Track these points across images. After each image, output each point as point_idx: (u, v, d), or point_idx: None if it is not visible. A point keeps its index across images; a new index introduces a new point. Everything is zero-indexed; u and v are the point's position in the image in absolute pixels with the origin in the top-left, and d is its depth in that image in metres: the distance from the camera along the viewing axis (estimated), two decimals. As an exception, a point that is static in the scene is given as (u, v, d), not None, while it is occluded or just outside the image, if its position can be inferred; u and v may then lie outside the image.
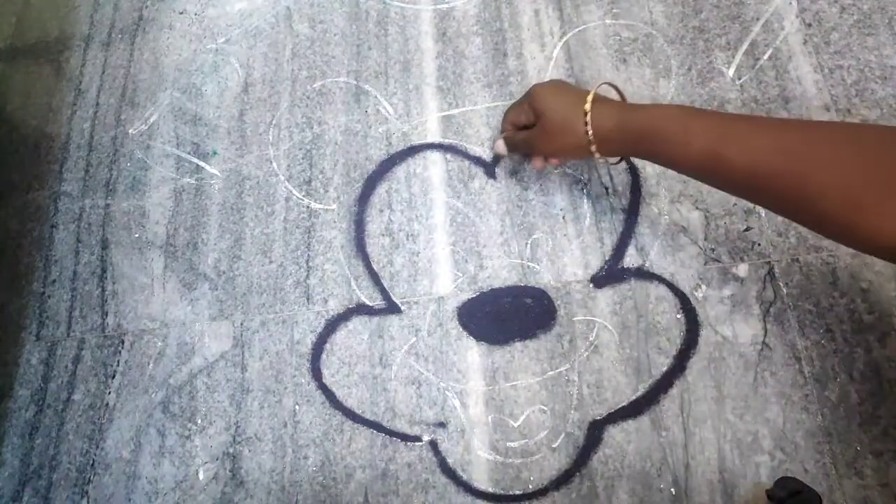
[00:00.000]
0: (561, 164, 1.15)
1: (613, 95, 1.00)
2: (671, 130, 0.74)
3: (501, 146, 1.08)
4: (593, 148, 0.85)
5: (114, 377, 1.25)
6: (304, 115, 1.39)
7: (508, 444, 1.07)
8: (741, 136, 0.67)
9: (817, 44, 1.23)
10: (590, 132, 0.83)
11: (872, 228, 0.61)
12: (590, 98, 0.84)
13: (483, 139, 1.28)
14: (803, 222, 0.73)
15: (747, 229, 1.12)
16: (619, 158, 1.02)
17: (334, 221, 1.28)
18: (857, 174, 0.62)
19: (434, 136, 1.30)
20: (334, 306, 1.22)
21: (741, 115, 0.78)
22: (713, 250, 1.12)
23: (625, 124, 0.80)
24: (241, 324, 1.24)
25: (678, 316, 1.09)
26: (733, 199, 1.15)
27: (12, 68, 1.62)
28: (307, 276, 1.25)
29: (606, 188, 1.20)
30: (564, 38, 1.34)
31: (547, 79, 1.30)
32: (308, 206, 1.30)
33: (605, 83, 1.02)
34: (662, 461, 1.01)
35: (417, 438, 1.10)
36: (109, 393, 1.24)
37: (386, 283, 1.21)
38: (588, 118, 0.83)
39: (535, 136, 0.94)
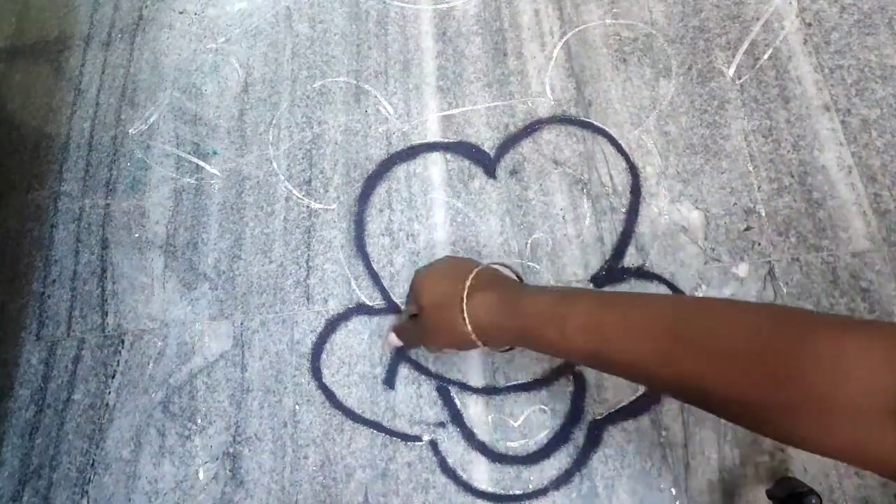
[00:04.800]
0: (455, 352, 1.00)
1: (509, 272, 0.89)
2: (551, 331, 0.66)
3: (394, 339, 0.95)
4: (479, 343, 0.75)
5: (114, 377, 1.25)
6: (304, 115, 1.39)
7: (508, 444, 1.07)
8: (618, 337, 0.61)
9: (817, 43, 1.23)
10: (468, 328, 0.73)
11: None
12: (467, 287, 0.74)
13: (483, 139, 1.28)
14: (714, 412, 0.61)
15: (747, 229, 1.12)
16: (507, 347, 0.89)
17: (334, 221, 1.28)
18: (751, 375, 0.53)
19: (434, 136, 1.30)
20: (334, 306, 1.22)
21: (617, 302, 0.66)
22: (713, 250, 1.12)
23: (502, 321, 0.71)
24: (241, 324, 1.24)
25: (678, 316, 1.09)
26: (733, 198, 1.15)
27: (12, 68, 1.62)
28: (307, 276, 1.25)
29: (606, 188, 1.20)
30: (564, 38, 1.34)
31: (547, 78, 1.30)
32: (308, 206, 1.30)
33: (495, 264, 0.85)
34: (662, 461, 1.01)
35: (417, 438, 1.10)
36: (109, 393, 1.24)
37: (386, 283, 1.21)
38: (465, 312, 0.73)
39: (420, 330, 0.83)
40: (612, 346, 0.61)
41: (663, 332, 0.58)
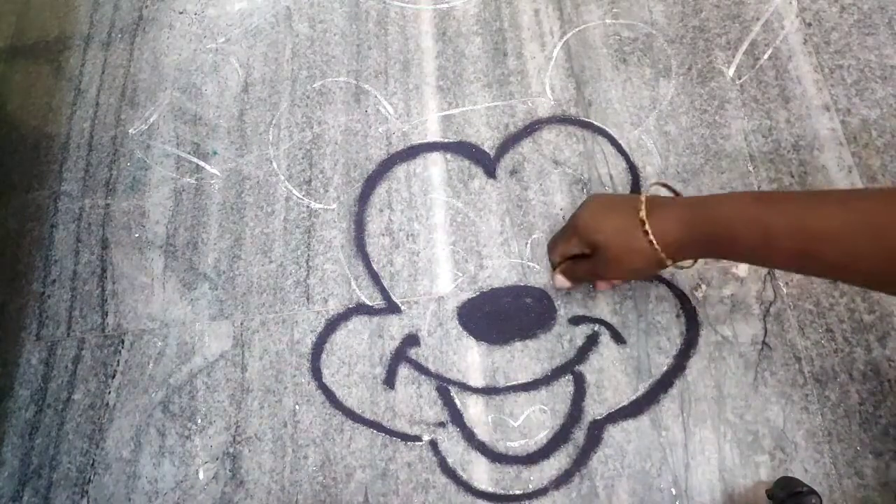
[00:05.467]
0: (626, 281, 1.01)
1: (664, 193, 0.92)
2: (751, 235, 0.65)
3: (562, 281, 1.00)
4: (668, 262, 0.77)
5: (114, 377, 1.25)
6: (304, 115, 1.39)
7: (508, 443, 1.07)
8: (832, 234, 0.60)
9: (817, 43, 1.23)
10: (657, 246, 0.75)
11: None
12: (643, 209, 0.75)
13: (483, 139, 1.28)
14: None
15: (747, 229, 1.12)
16: (692, 261, 0.89)
17: (334, 221, 1.28)
18: None
19: (434, 136, 1.30)
20: (334, 306, 1.22)
21: (822, 199, 0.65)
22: (713, 250, 1.12)
23: (693, 229, 0.71)
24: (241, 324, 1.24)
25: (678, 316, 1.09)
26: (733, 198, 1.15)
27: (12, 68, 1.62)
28: (307, 276, 1.25)
29: (606, 188, 1.19)
30: (564, 38, 1.34)
31: (547, 78, 1.30)
32: (308, 206, 1.31)
33: (655, 183, 0.94)
34: (662, 461, 1.01)
35: (417, 438, 1.10)
36: (109, 393, 1.24)
37: (386, 283, 1.21)
38: (650, 232, 0.74)
39: (599, 267, 0.86)
40: (825, 248, 0.60)
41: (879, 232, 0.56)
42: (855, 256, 0.59)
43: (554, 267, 1.07)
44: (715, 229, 0.69)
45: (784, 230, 0.63)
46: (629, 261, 0.80)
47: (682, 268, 1.02)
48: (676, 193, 0.88)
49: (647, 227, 0.75)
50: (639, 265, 0.80)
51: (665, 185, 0.91)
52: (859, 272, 0.62)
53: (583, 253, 0.91)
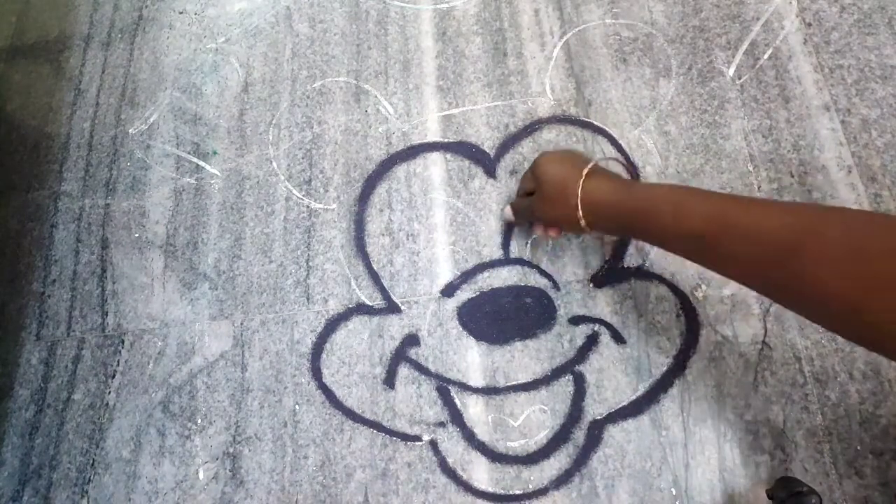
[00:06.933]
0: (560, 235, 1.02)
1: (619, 169, 1.04)
2: (663, 210, 0.70)
3: (508, 212, 1.09)
4: (582, 222, 0.83)
5: (114, 377, 1.25)
6: (304, 115, 1.39)
7: (508, 443, 1.07)
8: (733, 219, 0.62)
9: (817, 43, 1.23)
10: (578, 205, 0.82)
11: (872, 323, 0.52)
12: (586, 170, 0.83)
13: (483, 139, 1.28)
14: (799, 310, 0.62)
15: (747, 229, 1.12)
16: (614, 239, 0.96)
17: (334, 221, 1.28)
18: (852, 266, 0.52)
19: (434, 136, 1.30)
20: (334, 306, 1.22)
21: (737, 198, 0.67)
22: (713, 250, 1.12)
23: (619, 203, 0.77)
24: (241, 323, 1.24)
25: (678, 315, 1.09)
26: (733, 198, 1.15)
27: (12, 68, 1.62)
28: (307, 276, 1.25)
29: (606, 188, 1.20)
30: (564, 38, 1.34)
31: (547, 78, 1.30)
32: (308, 206, 1.31)
33: (612, 158, 1.03)
34: (662, 461, 1.01)
35: (417, 438, 1.10)
36: (109, 393, 1.24)
37: (386, 283, 1.21)
38: (580, 193, 0.82)
39: (534, 204, 0.93)
40: (733, 231, 0.61)
41: (791, 228, 0.56)
42: (759, 242, 0.59)
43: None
44: (634, 205, 0.75)
45: (695, 210, 0.67)
46: (556, 207, 0.87)
47: (601, 240, 1.11)
48: (630, 174, 1.03)
49: (580, 181, 0.82)
50: (562, 215, 0.86)
51: (622, 162, 1.04)
52: (760, 264, 0.60)
53: (532, 192, 0.99)
